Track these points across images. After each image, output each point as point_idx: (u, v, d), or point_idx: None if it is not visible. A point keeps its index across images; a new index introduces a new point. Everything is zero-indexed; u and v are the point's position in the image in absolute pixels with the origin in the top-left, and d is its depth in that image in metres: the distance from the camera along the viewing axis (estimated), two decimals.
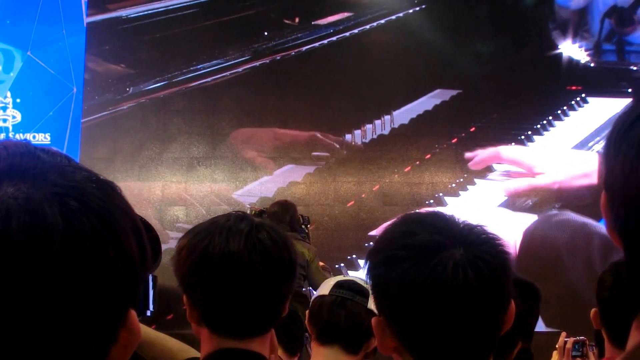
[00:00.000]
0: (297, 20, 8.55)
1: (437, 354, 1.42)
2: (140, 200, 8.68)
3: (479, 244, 1.42)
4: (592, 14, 8.42)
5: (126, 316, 0.85)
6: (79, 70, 9.07)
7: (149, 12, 8.65)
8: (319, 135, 8.43)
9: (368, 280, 1.48)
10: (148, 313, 2.29)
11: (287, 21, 8.57)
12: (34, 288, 0.75)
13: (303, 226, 6.62)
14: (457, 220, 1.47)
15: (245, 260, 1.80)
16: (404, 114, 8.62)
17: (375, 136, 8.62)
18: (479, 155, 8.35)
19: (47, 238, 0.76)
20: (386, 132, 8.63)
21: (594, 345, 3.10)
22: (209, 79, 8.70)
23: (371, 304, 2.25)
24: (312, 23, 8.61)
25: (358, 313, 2.41)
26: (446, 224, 1.45)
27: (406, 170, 8.65)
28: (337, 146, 8.50)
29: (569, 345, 3.17)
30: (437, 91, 8.55)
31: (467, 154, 8.44)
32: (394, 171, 8.80)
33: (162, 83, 8.76)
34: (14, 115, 9.04)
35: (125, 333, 0.85)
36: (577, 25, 8.42)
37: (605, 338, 2.23)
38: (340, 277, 2.58)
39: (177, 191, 8.95)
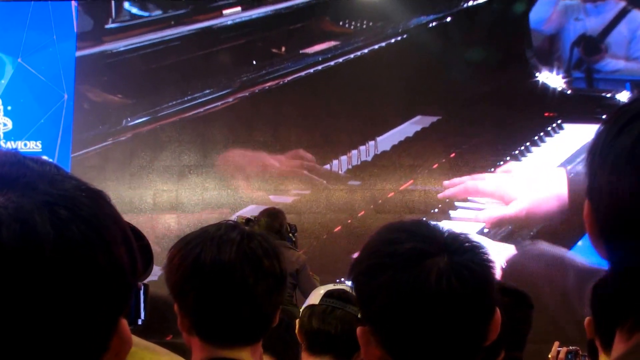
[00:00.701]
0: (283, 49, 8.63)
1: None
2: (132, 208, 8.68)
3: (463, 252, 1.41)
4: (563, 41, 8.44)
5: (117, 325, 0.85)
6: (69, 76, 9.02)
7: (142, 44, 8.72)
8: (304, 158, 8.44)
9: (353, 289, 1.48)
10: (139, 322, 2.29)
11: (274, 50, 8.62)
12: (26, 297, 0.75)
13: (290, 234, 6.61)
14: (441, 228, 1.47)
15: (237, 269, 1.80)
16: (386, 140, 8.72)
17: (359, 162, 8.68)
18: (448, 191, 8.37)
19: (38, 247, 0.76)
20: (369, 158, 8.71)
21: (587, 355, 3.09)
22: (201, 110, 8.80)
23: None
24: (300, 52, 8.68)
25: (349, 322, 2.40)
26: (430, 232, 1.44)
27: (389, 196, 8.70)
28: (323, 181, 8.56)
29: (561, 355, 3.17)
30: (418, 117, 8.60)
31: (445, 182, 8.50)
32: (385, 179, 8.82)
33: (153, 116, 8.86)
34: (4, 123, 9.00)
35: (117, 341, 0.85)
36: (550, 52, 8.47)
37: (599, 348, 2.22)
38: (330, 286, 2.58)
39: (168, 199, 8.94)
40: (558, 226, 8.04)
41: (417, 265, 1.37)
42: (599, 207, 0.95)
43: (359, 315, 2.33)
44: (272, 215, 6.40)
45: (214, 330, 1.83)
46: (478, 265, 1.42)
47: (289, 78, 8.69)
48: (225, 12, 8.60)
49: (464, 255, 1.41)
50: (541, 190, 8.12)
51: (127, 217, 0.96)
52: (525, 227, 8.23)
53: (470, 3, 8.40)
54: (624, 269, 0.93)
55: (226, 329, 1.83)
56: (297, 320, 2.50)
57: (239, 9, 8.55)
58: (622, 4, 7.42)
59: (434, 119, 8.57)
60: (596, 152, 0.95)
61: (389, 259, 1.40)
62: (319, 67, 8.63)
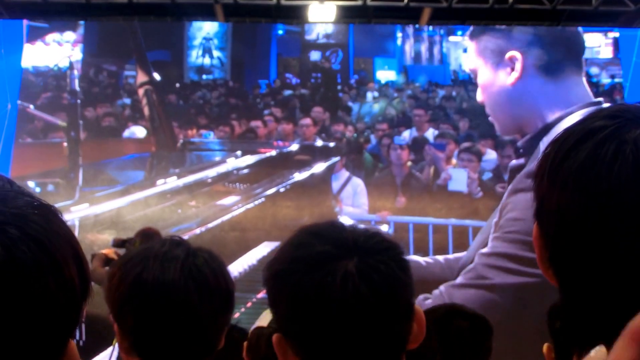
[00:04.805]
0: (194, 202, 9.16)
1: None
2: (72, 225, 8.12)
3: (374, 253, 1.19)
4: None
5: (66, 347, 0.75)
6: (14, 86, 8.55)
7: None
8: None
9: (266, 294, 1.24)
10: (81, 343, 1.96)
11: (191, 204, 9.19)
12: None
13: None
14: (355, 229, 1.24)
15: (181, 288, 1.50)
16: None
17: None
18: None
19: None
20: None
21: None
22: None
23: None
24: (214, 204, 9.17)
25: None
26: (340, 234, 1.22)
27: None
28: None
29: None
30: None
31: None
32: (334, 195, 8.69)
33: None
34: None
35: None
36: None
37: None
38: None
39: (110, 215, 8.41)
40: None
41: (322, 269, 1.16)
42: (547, 230, 0.85)
43: None
44: (147, 236, 5.70)
45: (155, 351, 1.52)
46: (389, 265, 1.19)
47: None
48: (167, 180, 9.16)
49: (376, 256, 1.19)
50: None
51: None
52: None
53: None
54: (576, 296, 0.82)
55: (168, 350, 1.52)
56: (245, 343, 2.16)
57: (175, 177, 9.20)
58: (348, 174, 9.04)
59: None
60: (543, 175, 0.86)
61: (294, 264, 1.19)
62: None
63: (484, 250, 6.61)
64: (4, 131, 8.28)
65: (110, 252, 3.72)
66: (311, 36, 10.07)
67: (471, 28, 8.31)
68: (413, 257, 7.77)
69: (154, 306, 1.49)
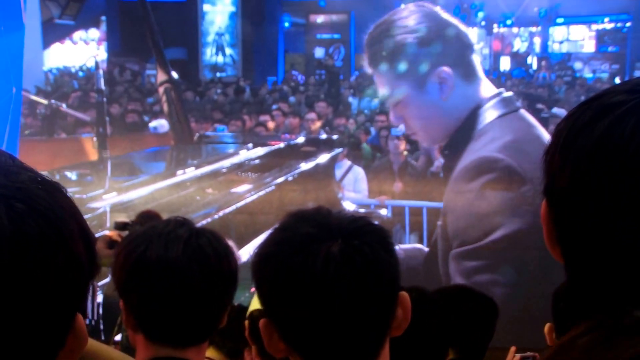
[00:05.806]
0: (210, 190, 8.95)
1: (323, 353, 1.08)
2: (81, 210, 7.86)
3: (359, 236, 1.08)
4: None
5: (74, 321, 0.70)
6: (18, 69, 7.50)
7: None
8: None
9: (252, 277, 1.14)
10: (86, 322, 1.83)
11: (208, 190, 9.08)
12: None
13: None
14: (341, 214, 1.13)
15: (184, 267, 1.40)
16: None
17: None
18: None
19: None
20: None
21: None
22: None
23: None
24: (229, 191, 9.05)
25: None
26: (326, 218, 1.11)
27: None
28: None
29: None
30: None
31: None
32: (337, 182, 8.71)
33: None
34: None
35: (73, 338, 0.70)
36: None
37: None
38: None
39: (138, 203, 8.21)
40: None
41: (306, 251, 1.06)
42: (557, 207, 0.75)
43: None
44: (148, 219, 5.19)
45: (158, 329, 1.43)
46: (373, 248, 1.08)
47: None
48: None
49: (360, 238, 1.08)
50: None
51: None
52: None
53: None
54: (582, 275, 0.73)
55: (171, 328, 1.43)
56: (246, 322, 2.03)
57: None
58: (350, 162, 8.86)
59: None
60: (555, 152, 0.75)
61: (280, 246, 1.09)
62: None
63: (459, 268, 6.41)
64: (9, 116, 7.26)
65: (113, 234, 3.56)
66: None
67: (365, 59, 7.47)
68: (417, 246, 7.74)
69: (156, 284, 1.39)
